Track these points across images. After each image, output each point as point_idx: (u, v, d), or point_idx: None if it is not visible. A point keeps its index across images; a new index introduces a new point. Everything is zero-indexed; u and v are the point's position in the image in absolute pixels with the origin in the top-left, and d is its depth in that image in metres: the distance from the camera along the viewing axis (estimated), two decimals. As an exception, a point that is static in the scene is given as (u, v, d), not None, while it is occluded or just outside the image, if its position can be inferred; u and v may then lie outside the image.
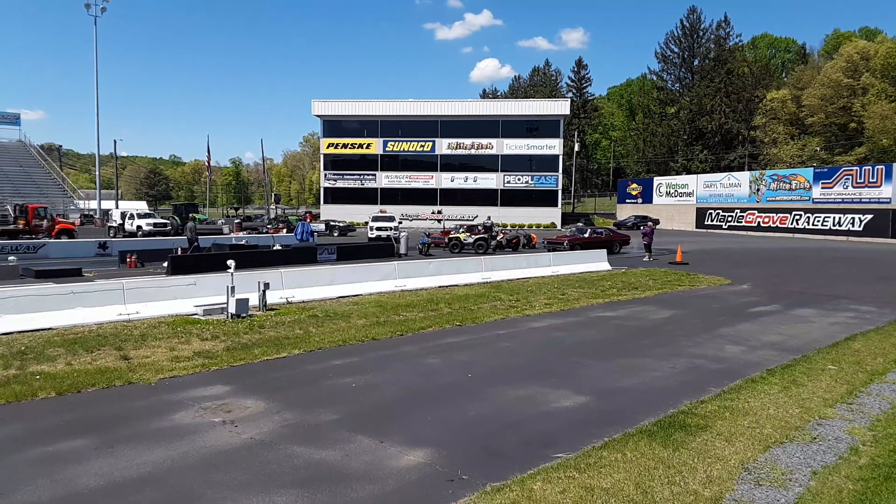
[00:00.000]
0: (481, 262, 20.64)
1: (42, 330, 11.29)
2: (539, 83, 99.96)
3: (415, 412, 7.42)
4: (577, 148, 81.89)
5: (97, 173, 62.48)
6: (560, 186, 66.71)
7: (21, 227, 35.26)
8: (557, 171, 65.85)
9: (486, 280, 19.56)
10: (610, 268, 23.34)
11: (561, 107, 66.86)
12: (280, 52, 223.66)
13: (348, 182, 68.65)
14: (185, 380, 8.64)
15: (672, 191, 65.22)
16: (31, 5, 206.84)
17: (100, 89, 60.27)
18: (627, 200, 70.48)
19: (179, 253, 24.01)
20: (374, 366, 9.57)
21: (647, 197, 67.79)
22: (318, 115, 68.77)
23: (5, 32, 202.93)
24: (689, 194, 62.82)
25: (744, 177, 58.99)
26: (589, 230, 32.94)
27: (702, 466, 5.75)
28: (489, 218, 32.72)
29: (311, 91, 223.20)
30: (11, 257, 22.84)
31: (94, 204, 61.25)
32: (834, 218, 48.14)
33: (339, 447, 6.27)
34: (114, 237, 36.93)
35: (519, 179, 66.02)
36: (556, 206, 65.44)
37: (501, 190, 65.94)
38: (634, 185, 71.38)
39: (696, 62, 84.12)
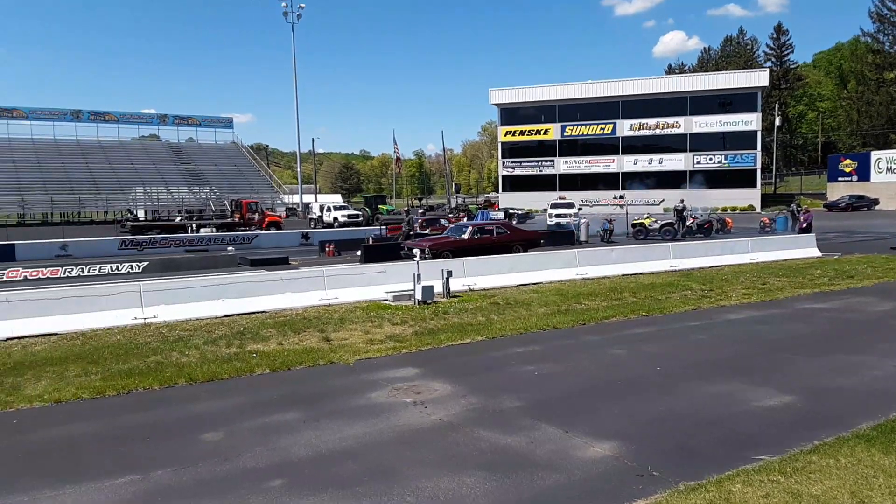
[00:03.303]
0: (669, 250, 19.67)
1: (257, 312, 12.66)
2: (732, 54, 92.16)
3: (599, 403, 7.25)
4: (777, 122, 74.43)
5: (298, 170, 68.53)
6: (759, 165, 61.31)
7: (237, 220, 39.91)
8: (755, 149, 60.51)
9: (675, 268, 18.57)
10: (820, 254, 21.12)
11: (758, 78, 61.31)
12: (457, 44, 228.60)
13: (526, 169, 68.74)
14: (379, 361, 9.20)
15: (894, 166, 57.07)
16: (238, 22, 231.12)
17: (298, 91, 66.05)
18: (840, 178, 62.69)
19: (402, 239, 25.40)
20: (556, 354, 9.51)
21: (863, 174, 59.81)
22: (495, 104, 69.57)
23: (219, 47, 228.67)
24: (917, 169, 54.52)
25: None
26: (469, 228, 22.00)
27: (940, 483, 4.98)
28: (682, 201, 30.70)
29: (489, 80, 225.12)
30: (230, 247, 25.97)
31: (296, 198, 67.22)
32: None
33: (524, 434, 6.31)
34: (314, 228, 40.34)
35: (711, 159, 61.69)
36: (754, 186, 60.20)
37: (690, 171, 61.91)
38: (848, 161, 63.32)
39: (920, 18, 72.55)
